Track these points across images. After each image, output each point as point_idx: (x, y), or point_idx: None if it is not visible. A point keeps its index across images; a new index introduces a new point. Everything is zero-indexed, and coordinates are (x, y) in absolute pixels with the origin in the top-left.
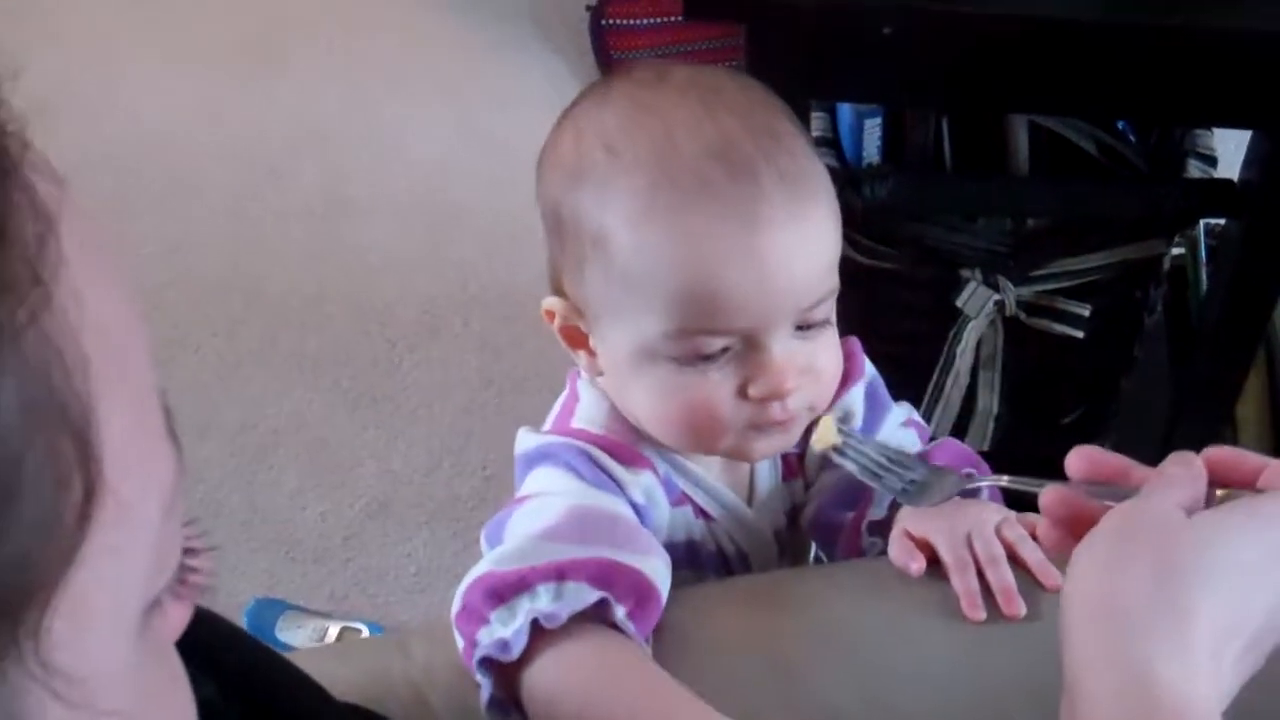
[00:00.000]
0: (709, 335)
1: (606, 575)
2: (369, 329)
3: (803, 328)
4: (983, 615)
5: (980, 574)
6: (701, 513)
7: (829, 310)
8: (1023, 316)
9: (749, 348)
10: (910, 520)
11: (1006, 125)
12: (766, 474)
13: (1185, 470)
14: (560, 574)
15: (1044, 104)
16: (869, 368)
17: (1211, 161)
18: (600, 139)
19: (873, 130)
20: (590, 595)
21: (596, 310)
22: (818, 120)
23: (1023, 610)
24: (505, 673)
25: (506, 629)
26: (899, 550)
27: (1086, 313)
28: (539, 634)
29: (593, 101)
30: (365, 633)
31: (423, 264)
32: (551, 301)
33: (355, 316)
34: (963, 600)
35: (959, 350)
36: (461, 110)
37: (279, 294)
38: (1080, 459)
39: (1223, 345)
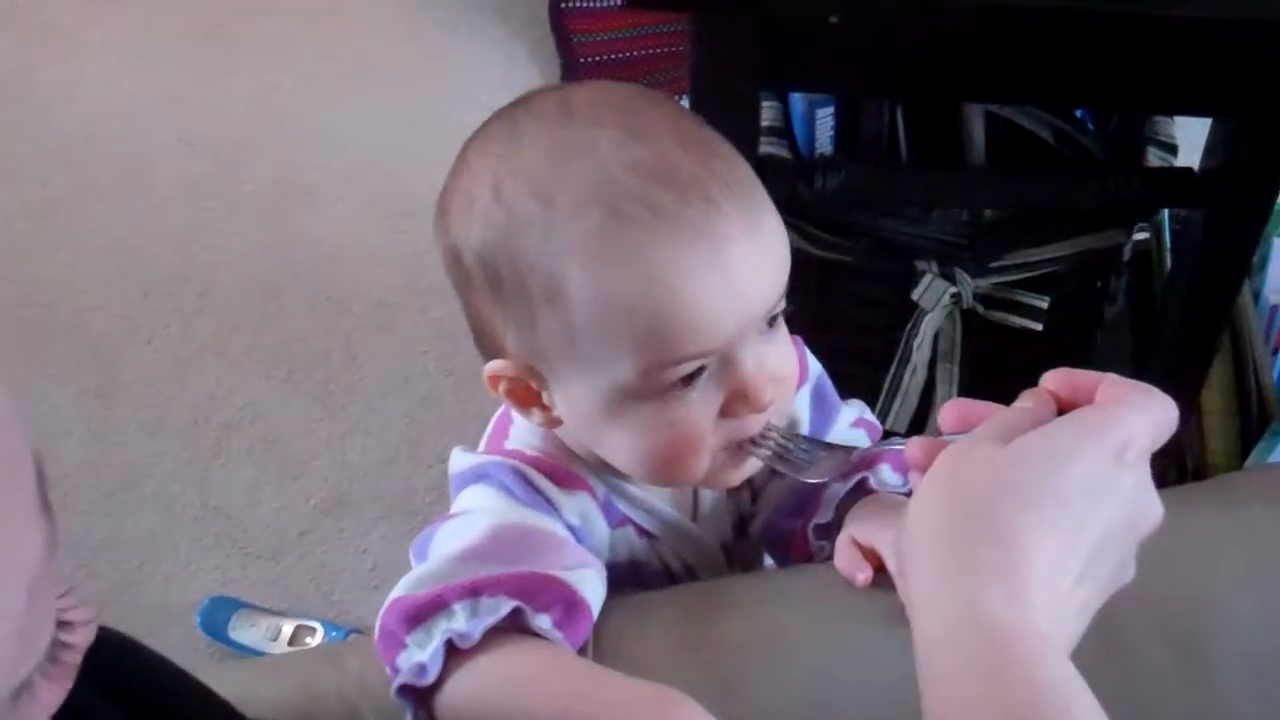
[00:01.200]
0: (688, 362)
1: (526, 587)
2: (325, 320)
3: (768, 326)
4: None
5: None
6: (644, 533)
7: (783, 302)
8: (980, 309)
9: (723, 365)
10: (856, 527)
11: (962, 115)
12: (700, 486)
13: (1030, 401)
14: (476, 591)
15: (999, 92)
16: (814, 367)
17: (1172, 150)
18: (528, 188)
19: (825, 120)
20: (505, 607)
21: (554, 365)
22: (768, 110)
23: None
24: (426, 697)
25: (424, 652)
26: (845, 559)
27: (1045, 305)
28: (454, 654)
29: (501, 146)
30: (320, 631)
31: (380, 254)
32: (497, 367)
33: (311, 307)
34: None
35: (916, 343)
36: (419, 98)
37: (233, 285)
38: (950, 411)
39: (1185, 336)
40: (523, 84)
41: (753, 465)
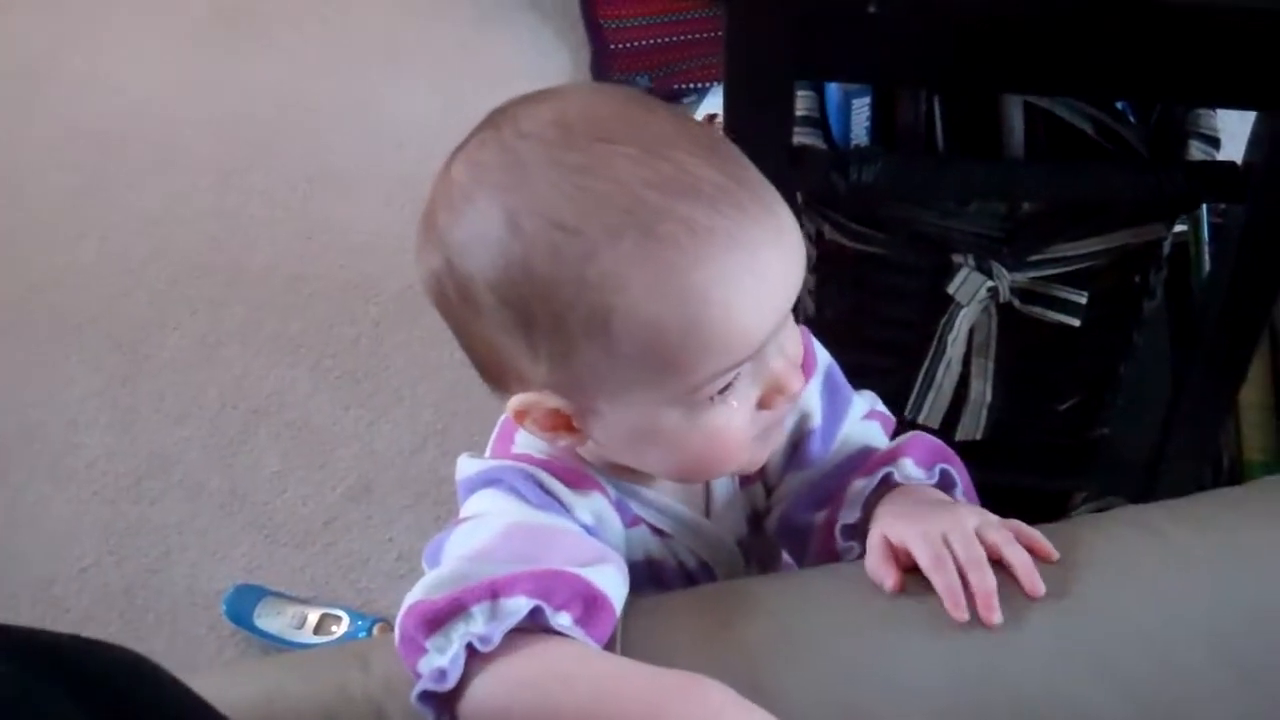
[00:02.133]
0: (738, 367)
1: (544, 586)
2: (353, 308)
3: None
4: (966, 615)
5: (962, 577)
6: (658, 531)
7: None
8: (1017, 303)
9: (755, 362)
10: (887, 525)
11: (1000, 106)
12: (723, 483)
13: None
14: (495, 592)
15: (1039, 84)
16: (823, 357)
17: (1214, 143)
18: (549, 221)
19: (861, 110)
20: (524, 608)
21: (591, 393)
22: (804, 99)
23: (999, 618)
24: (448, 703)
25: (444, 657)
26: (876, 562)
27: (1083, 300)
28: (474, 658)
29: (504, 177)
30: (345, 619)
31: (408, 242)
32: (524, 400)
33: (339, 295)
34: (945, 599)
35: (951, 338)
36: (449, 84)
37: (261, 271)
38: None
39: (1225, 332)
40: (554, 70)
41: (777, 439)
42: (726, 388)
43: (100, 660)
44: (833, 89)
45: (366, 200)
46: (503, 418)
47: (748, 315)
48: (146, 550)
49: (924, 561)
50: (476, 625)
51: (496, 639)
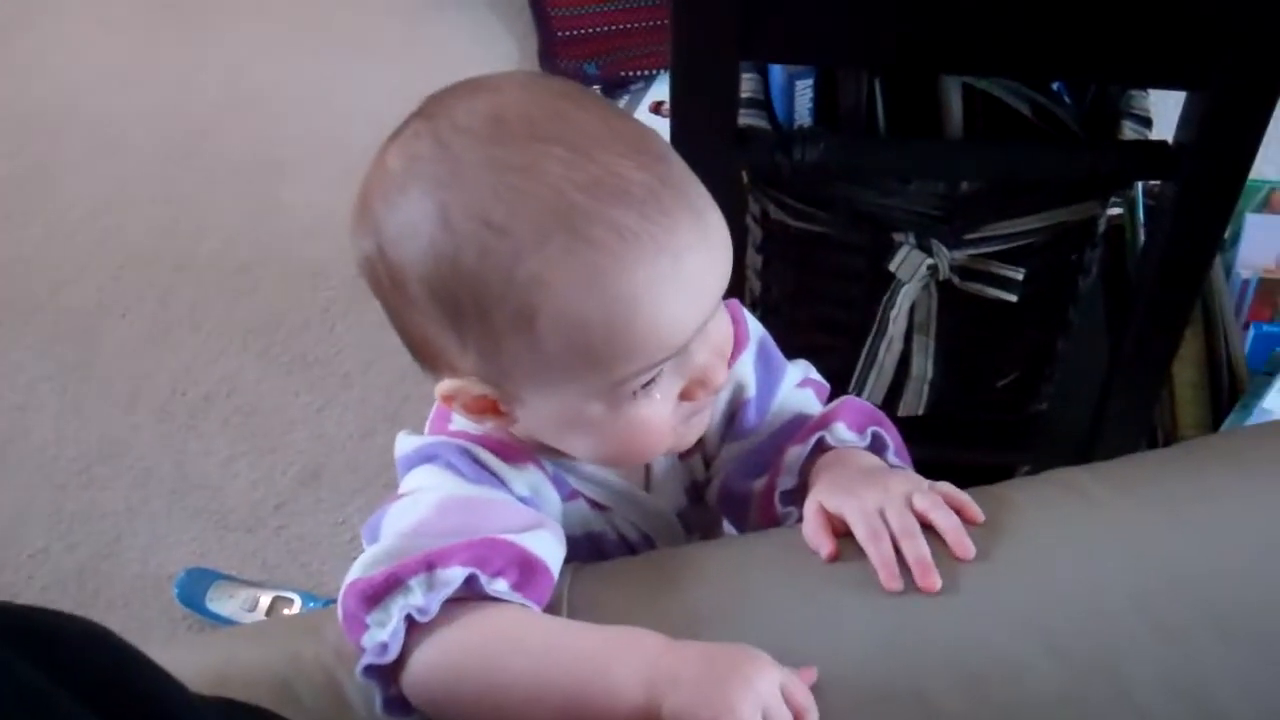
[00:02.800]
0: (655, 368)
1: (479, 555)
2: (301, 293)
3: None
4: (900, 585)
5: (896, 546)
6: (596, 505)
7: None
8: (956, 280)
9: (679, 356)
10: (823, 494)
11: (940, 87)
12: (661, 456)
13: None
14: (430, 564)
15: (976, 64)
16: (755, 329)
17: (1146, 123)
18: (480, 219)
19: (804, 92)
20: (459, 576)
21: (517, 384)
22: (748, 81)
23: (939, 584)
24: (392, 674)
25: (384, 631)
26: (813, 530)
27: (1020, 277)
28: (415, 629)
29: (437, 170)
30: (297, 602)
31: None
32: (452, 387)
33: (287, 281)
34: (880, 571)
35: (892, 315)
36: (396, 71)
37: (209, 258)
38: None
39: (1158, 306)
40: (501, 57)
41: (701, 423)
42: (650, 382)
43: (69, 632)
44: (776, 71)
45: (314, 186)
46: (436, 405)
47: (673, 318)
48: (97, 536)
49: (860, 535)
50: (414, 597)
51: (434, 609)
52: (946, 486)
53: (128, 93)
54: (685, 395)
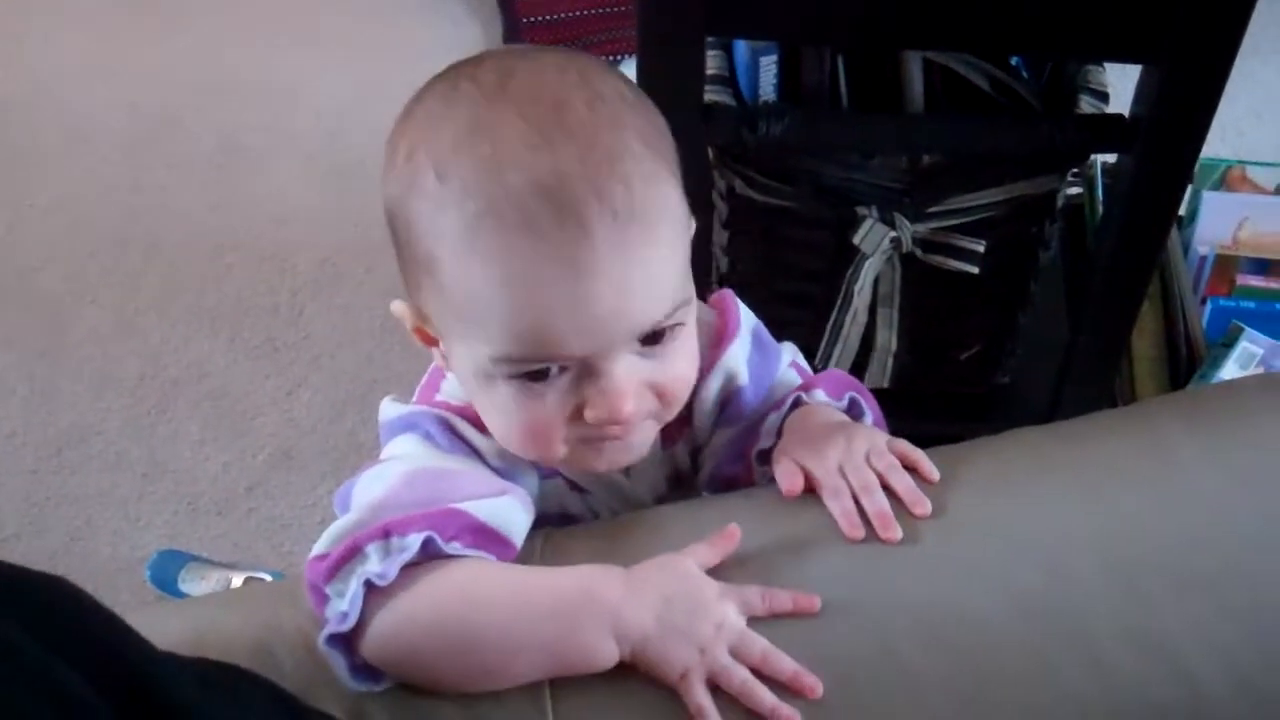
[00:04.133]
0: (537, 363)
1: (436, 523)
2: (269, 278)
3: (650, 343)
4: (861, 534)
5: (857, 501)
6: (575, 486)
7: (685, 314)
8: (919, 253)
9: (585, 370)
10: (791, 448)
11: (901, 63)
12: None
13: None
14: (387, 532)
15: (936, 39)
16: (747, 319)
17: (1103, 97)
18: (431, 159)
19: (768, 68)
20: (416, 541)
21: (438, 324)
22: (713, 58)
23: (899, 535)
24: (354, 641)
25: (344, 600)
26: (783, 473)
27: (981, 248)
28: (374, 594)
29: (433, 107)
30: (270, 582)
31: (323, 213)
32: (397, 309)
33: (255, 266)
34: (840, 522)
35: (856, 288)
36: (361, 58)
37: (178, 245)
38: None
39: (1116, 278)
40: (465, 42)
41: (618, 457)
42: (537, 377)
43: (44, 590)
44: (741, 48)
45: (282, 173)
46: (432, 366)
47: (554, 324)
48: (68, 520)
49: (823, 490)
50: (371, 564)
51: (392, 574)
52: (903, 444)
53: (97, 81)
54: (577, 411)
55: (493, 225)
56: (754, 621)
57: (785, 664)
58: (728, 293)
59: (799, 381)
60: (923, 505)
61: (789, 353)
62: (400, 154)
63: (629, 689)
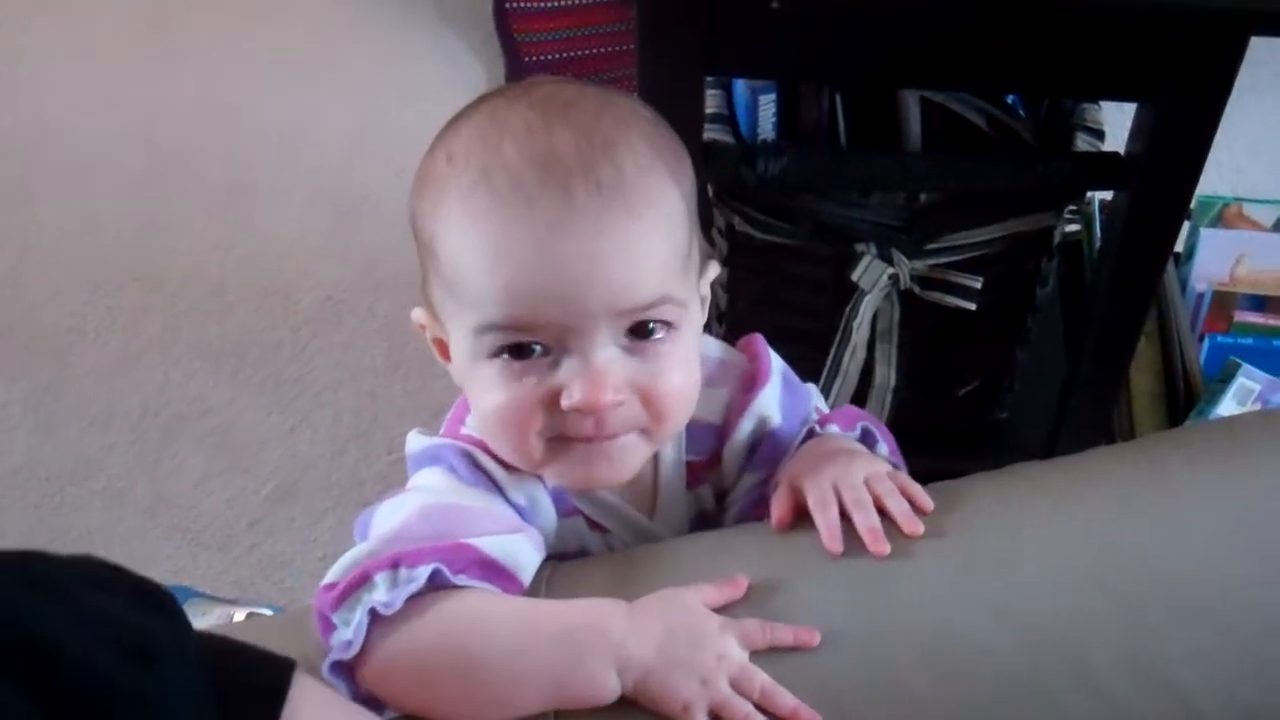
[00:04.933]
0: (516, 331)
1: (446, 557)
2: (273, 314)
3: (635, 336)
4: (840, 548)
5: (847, 517)
6: (596, 525)
7: (674, 316)
8: (917, 290)
9: (565, 356)
10: (792, 471)
11: (899, 101)
12: (671, 483)
13: None
14: (396, 563)
15: (934, 78)
16: (776, 364)
17: (1099, 135)
18: (445, 148)
19: (767, 106)
20: (424, 573)
21: (441, 316)
22: (713, 97)
23: (888, 549)
24: (356, 670)
25: (349, 628)
26: (776, 499)
27: (979, 285)
28: (379, 622)
29: (464, 111)
30: (273, 615)
31: (327, 250)
32: (417, 314)
33: (259, 302)
34: (823, 534)
35: (855, 324)
36: (365, 96)
37: (182, 280)
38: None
39: (1113, 314)
40: (468, 83)
41: (597, 465)
42: (516, 354)
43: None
44: (740, 86)
45: (286, 209)
46: (459, 399)
47: (524, 285)
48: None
49: (811, 502)
50: (378, 593)
51: (398, 604)
52: (903, 476)
53: (98, 119)
54: (553, 397)
55: (484, 191)
56: (755, 656)
57: (785, 699)
58: (757, 337)
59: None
60: (914, 525)
61: (813, 396)
62: (424, 159)
63: None
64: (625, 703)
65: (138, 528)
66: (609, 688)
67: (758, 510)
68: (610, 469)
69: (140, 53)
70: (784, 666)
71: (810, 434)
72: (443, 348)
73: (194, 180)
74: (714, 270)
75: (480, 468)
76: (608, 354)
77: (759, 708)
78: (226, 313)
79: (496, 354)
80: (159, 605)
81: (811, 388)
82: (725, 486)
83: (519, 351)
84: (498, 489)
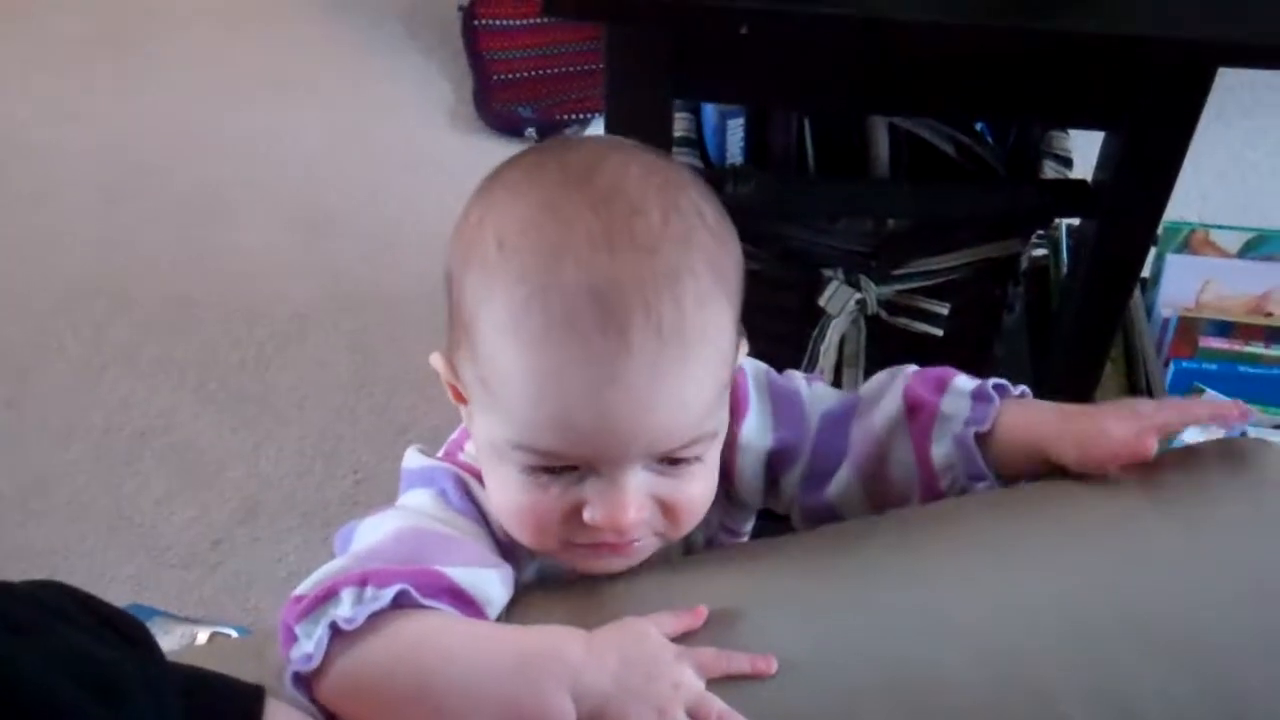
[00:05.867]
0: (549, 457)
1: (416, 581)
2: (237, 331)
3: (667, 463)
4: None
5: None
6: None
7: (707, 446)
8: (884, 315)
9: (595, 473)
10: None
11: (867, 127)
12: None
13: None
14: (364, 580)
15: (901, 105)
16: (755, 382)
17: (1067, 163)
18: (496, 230)
19: (736, 131)
20: (390, 592)
21: (466, 391)
22: (681, 120)
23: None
24: (314, 686)
25: (310, 641)
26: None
27: (945, 311)
28: (340, 637)
29: (518, 178)
30: (235, 638)
31: (293, 266)
32: (435, 361)
33: (224, 318)
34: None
35: (823, 348)
36: (332, 112)
37: (146, 296)
38: None
39: (1079, 339)
40: (437, 100)
41: (610, 565)
42: (549, 470)
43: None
44: (709, 110)
45: (252, 226)
46: (461, 424)
47: (577, 427)
48: (32, 573)
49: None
50: (343, 608)
51: (360, 619)
52: None
53: (64, 133)
54: (577, 510)
55: (538, 313)
56: (712, 684)
57: None
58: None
59: (829, 389)
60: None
61: (800, 374)
62: (471, 218)
63: None
64: None
65: (100, 545)
66: (563, 715)
67: (815, 497)
68: (624, 564)
69: (110, 67)
70: (741, 695)
71: (980, 394)
72: (459, 396)
73: (161, 195)
74: (744, 351)
75: (472, 497)
76: (637, 478)
77: None
78: (191, 328)
79: (527, 467)
80: (128, 637)
81: (792, 373)
82: (729, 525)
83: (548, 470)
84: (485, 521)
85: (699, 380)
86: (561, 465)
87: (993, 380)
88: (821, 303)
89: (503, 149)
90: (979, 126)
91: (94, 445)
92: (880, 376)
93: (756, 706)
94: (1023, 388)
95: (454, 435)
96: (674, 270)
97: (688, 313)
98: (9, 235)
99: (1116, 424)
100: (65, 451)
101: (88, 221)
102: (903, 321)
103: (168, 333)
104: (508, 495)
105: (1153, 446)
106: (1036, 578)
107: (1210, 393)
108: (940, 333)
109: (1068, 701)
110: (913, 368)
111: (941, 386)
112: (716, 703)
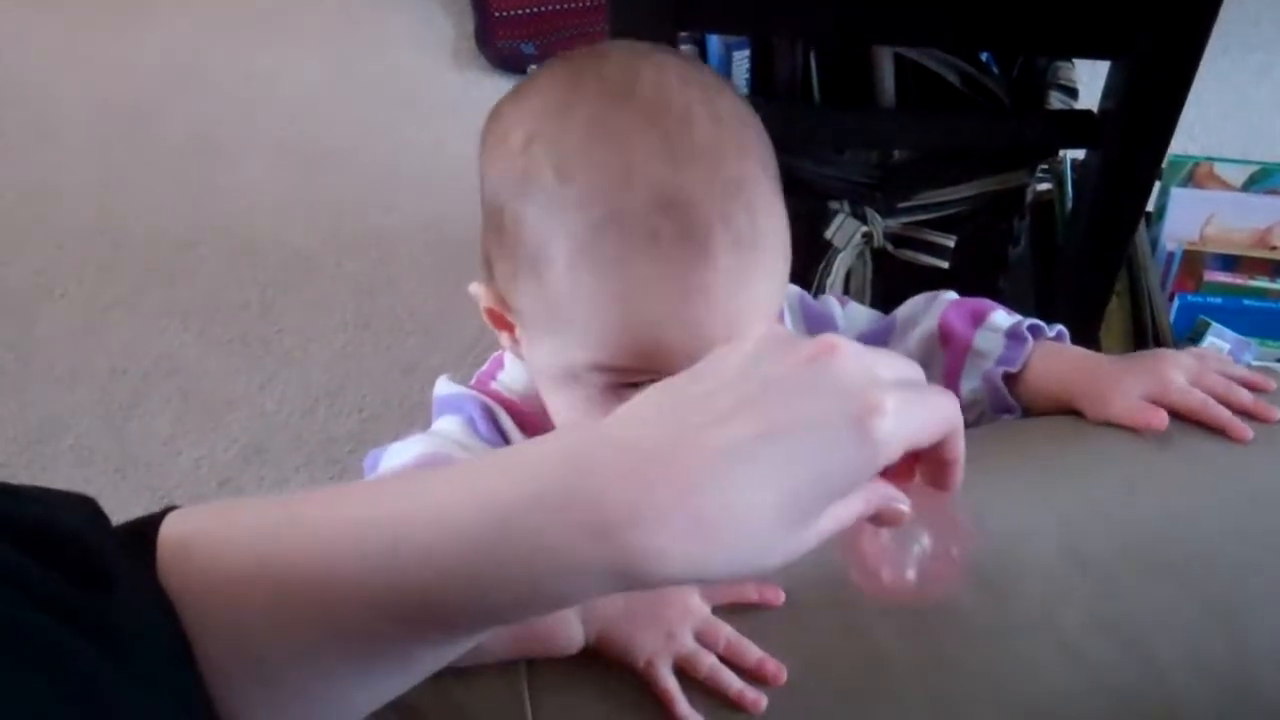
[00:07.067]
0: (629, 374)
1: None
2: (240, 272)
3: None
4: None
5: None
6: None
7: None
8: (890, 248)
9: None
10: (1129, 384)
11: (872, 58)
12: None
13: None
14: None
15: (907, 34)
16: (785, 306)
17: (1072, 93)
18: (554, 157)
19: (741, 62)
20: None
21: (525, 320)
22: (685, 52)
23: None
24: None
25: None
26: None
27: (951, 244)
28: None
29: (555, 98)
30: None
31: (295, 207)
32: (477, 291)
33: (226, 259)
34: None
35: (829, 282)
36: (332, 52)
37: (148, 237)
38: None
39: (1084, 273)
40: (438, 37)
41: None
42: (631, 385)
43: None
44: (714, 42)
45: (253, 166)
46: (495, 353)
47: (662, 339)
48: None
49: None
50: None
51: None
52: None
53: (63, 77)
54: None
55: (615, 235)
56: (722, 612)
57: (750, 651)
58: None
59: (867, 315)
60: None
61: (833, 301)
62: (514, 139)
63: (605, 681)
64: (591, 654)
65: (107, 487)
66: (573, 637)
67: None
68: None
69: (106, 8)
70: (753, 619)
71: (1015, 334)
72: (500, 322)
73: (160, 136)
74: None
75: (499, 427)
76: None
77: (724, 660)
78: (194, 270)
79: (609, 386)
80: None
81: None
82: None
83: (631, 385)
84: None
85: (774, 279)
86: (645, 378)
87: (1029, 320)
88: (828, 235)
89: (505, 86)
90: (984, 57)
91: (99, 388)
92: (917, 300)
93: (763, 631)
94: (1059, 327)
95: (486, 365)
96: (738, 177)
97: (758, 217)
98: (9, 180)
99: (1136, 384)
100: (70, 394)
101: (88, 165)
102: (909, 254)
103: (170, 274)
104: (578, 415)
105: (1164, 421)
106: (1040, 505)
107: (1216, 325)
108: (946, 265)
109: (1073, 629)
110: (951, 294)
111: (978, 319)
112: (724, 628)
